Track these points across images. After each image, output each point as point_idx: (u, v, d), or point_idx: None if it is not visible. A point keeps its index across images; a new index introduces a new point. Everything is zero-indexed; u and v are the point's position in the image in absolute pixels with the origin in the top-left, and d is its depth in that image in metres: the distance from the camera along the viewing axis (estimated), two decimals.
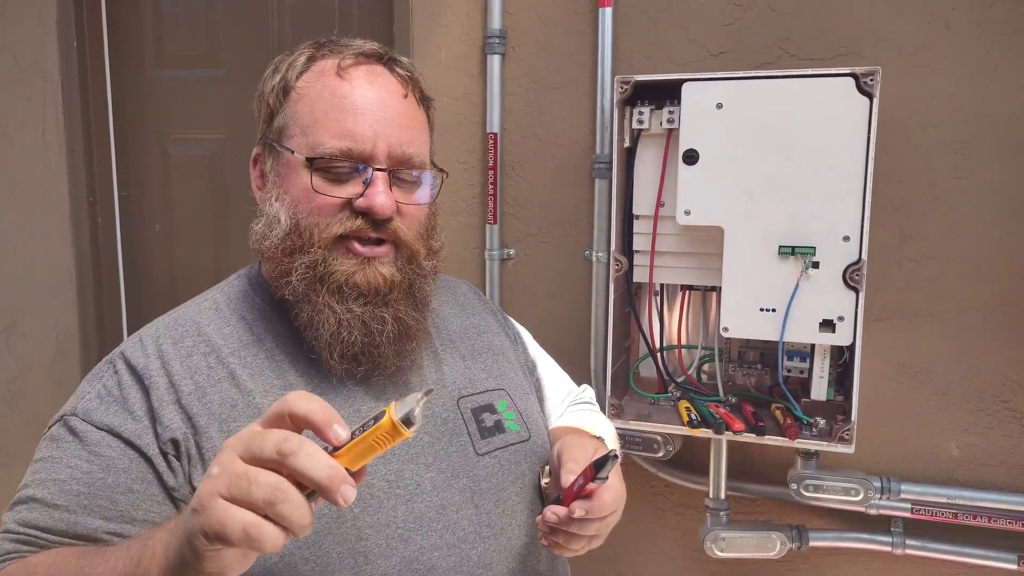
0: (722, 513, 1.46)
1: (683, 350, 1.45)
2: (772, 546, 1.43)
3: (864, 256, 1.20)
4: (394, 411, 0.54)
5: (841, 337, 1.23)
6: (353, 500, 0.52)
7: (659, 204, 1.34)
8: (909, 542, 1.43)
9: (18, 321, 2.08)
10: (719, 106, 1.23)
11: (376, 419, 0.54)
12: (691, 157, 1.25)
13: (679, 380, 1.43)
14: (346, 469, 0.53)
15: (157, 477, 0.73)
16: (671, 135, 1.31)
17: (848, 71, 1.18)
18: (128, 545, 0.64)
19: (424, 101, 0.86)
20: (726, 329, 1.27)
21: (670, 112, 1.30)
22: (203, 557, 0.53)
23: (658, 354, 1.42)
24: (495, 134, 1.61)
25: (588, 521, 0.74)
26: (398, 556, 0.74)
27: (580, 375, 1.59)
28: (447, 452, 0.82)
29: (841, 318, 1.22)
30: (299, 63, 0.81)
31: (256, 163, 0.86)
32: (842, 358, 1.31)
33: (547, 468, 0.88)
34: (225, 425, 0.75)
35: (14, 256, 2.06)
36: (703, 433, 1.31)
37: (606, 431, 1.00)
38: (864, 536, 1.45)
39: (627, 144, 1.36)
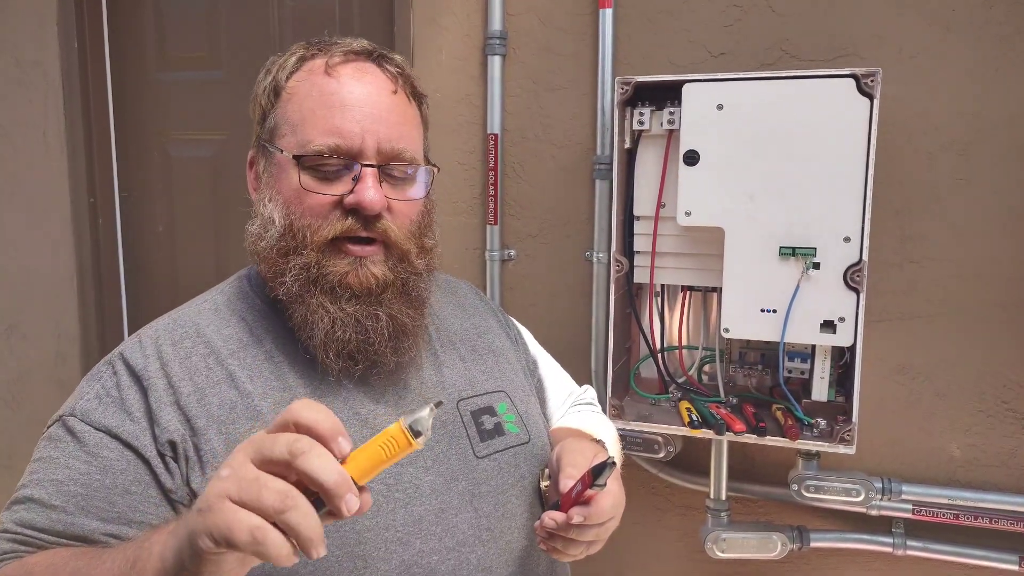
0: (723, 514, 1.46)
1: (684, 351, 1.45)
2: (773, 547, 1.43)
3: (865, 257, 1.20)
4: (404, 421, 0.54)
5: (842, 338, 1.23)
6: (355, 511, 0.52)
7: (660, 205, 1.34)
8: (910, 543, 1.42)
9: (19, 323, 2.08)
10: (720, 107, 1.23)
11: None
12: (692, 158, 1.26)
13: (680, 381, 1.43)
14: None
15: (154, 479, 0.72)
16: (672, 136, 1.32)
17: (849, 72, 1.18)
18: (125, 547, 0.64)
19: (416, 97, 0.85)
20: (727, 330, 1.27)
21: (671, 113, 1.30)
22: (203, 560, 0.53)
23: (659, 355, 1.42)
24: (496, 135, 1.61)
25: (586, 527, 0.74)
26: (397, 560, 0.74)
27: (581, 376, 1.59)
28: (446, 455, 0.81)
29: (842, 319, 1.22)
30: (289, 64, 0.81)
31: (252, 166, 0.86)
32: (843, 359, 1.31)
33: (546, 471, 0.87)
34: (224, 427, 0.74)
35: (15, 257, 2.06)
36: (704, 434, 1.31)
37: (607, 433, 1.00)
38: (865, 537, 1.45)
39: (628, 145, 1.37)
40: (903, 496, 1.40)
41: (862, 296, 1.21)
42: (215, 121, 1.96)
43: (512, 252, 1.66)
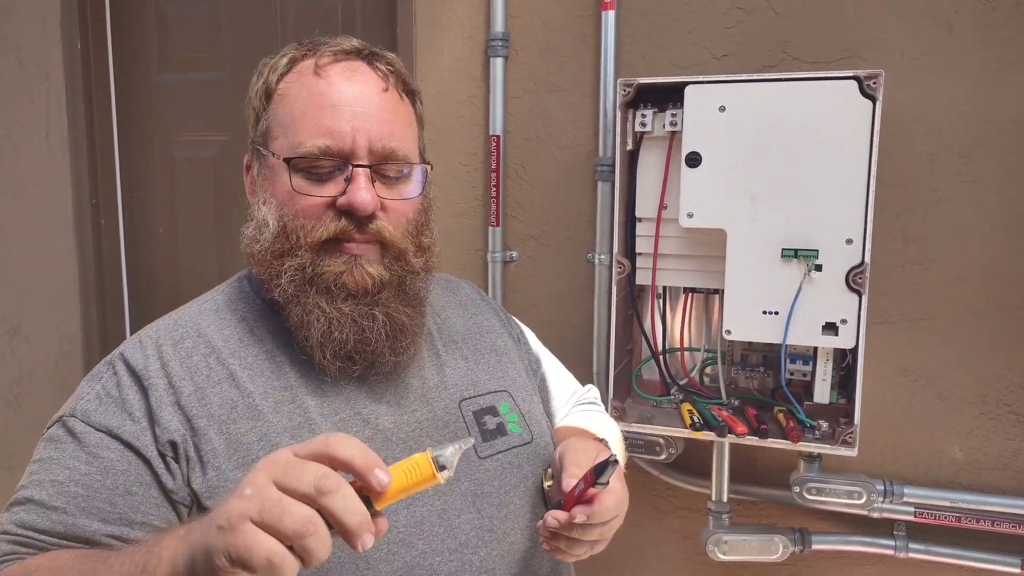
0: (724, 516, 1.46)
1: (686, 353, 1.45)
2: (775, 549, 1.43)
3: (867, 259, 1.20)
4: (431, 452, 0.56)
5: (844, 340, 1.22)
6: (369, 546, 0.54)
7: (662, 207, 1.34)
8: (912, 546, 1.42)
9: (21, 324, 2.08)
10: (722, 109, 1.23)
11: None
12: (694, 160, 1.26)
13: (681, 383, 1.43)
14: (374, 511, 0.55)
15: (155, 479, 0.72)
16: (674, 138, 1.32)
17: (851, 74, 1.18)
18: (131, 550, 0.64)
19: (409, 94, 0.84)
20: (729, 332, 1.27)
21: (673, 115, 1.30)
22: (217, 575, 0.53)
23: (660, 356, 1.42)
24: (498, 136, 1.61)
25: (589, 526, 0.74)
26: (399, 561, 0.74)
27: (582, 377, 1.58)
28: None
29: (844, 321, 1.22)
30: (280, 65, 0.81)
31: (248, 169, 0.85)
32: (845, 361, 1.31)
33: (549, 471, 0.87)
34: (224, 427, 0.74)
35: (18, 258, 2.06)
36: (705, 436, 1.31)
37: (610, 432, 1.00)
38: (867, 539, 1.45)
39: (630, 147, 1.37)
40: (905, 499, 1.40)
41: (864, 298, 1.21)
42: (217, 122, 1.97)
43: (514, 253, 1.66)
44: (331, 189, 0.77)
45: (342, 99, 0.77)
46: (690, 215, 1.27)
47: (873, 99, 1.17)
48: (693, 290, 1.41)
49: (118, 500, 0.71)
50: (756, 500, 1.54)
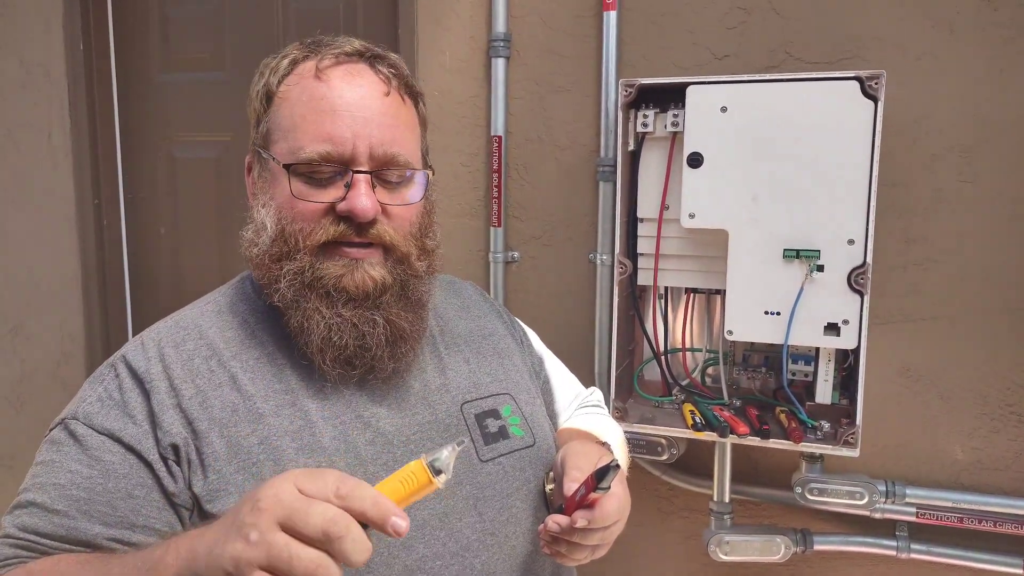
0: (726, 516, 1.46)
1: (687, 353, 1.45)
2: (776, 550, 1.43)
3: (869, 259, 1.20)
4: (425, 459, 0.55)
5: (846, 341, 1.22)
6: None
7: (663, 207, 1.34)
8: (914, 546, 1.42)
9: (23, 324, 2.09)
10: (723, 109, 1.23)
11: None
12: (695, 160, 1.25)
13: (683, 383, 1.43)
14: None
15: (157, 482, 0.72)
16: (675, 138, 1.32)
17: (853, 75, 1.18)
18: (133, 557, 0.64)
19: (411, 96, 0.83)
20: (730, 332, 1.27)
21: (674, 115, 1.30)
22: None
23: (662, 357, 1.42)
24: (499, 137, 1.61)
25: (591, 531, 0.73)
26: (400, 565, 0.74)
27: (584, 378, 1.59)
28: None
29: (846, 321, 1.22)
30: (282, 67, 0.80)
31: (249, 171, 0.85)
32: (847, 362, 1.31)
33: (551, 474, 0.86)
34: (225, 430, 0.74)
35: (20, 258, 2.07)
36: (707, 436, 1.31)
37: (614, 435, 1.00)
38: (869, 540, 1.45)
39: (631, 147, 1.37)
40: (907, 499, 1.40)
41: (866, 298, 1.21)
42: (219, 123, 1.97)
43: (516, 254, 1.66)
44: (331, 194, 0.76)
45: (343, 104, 0.76)
46: (692, 215, 1.27)
47: (875, 99, 1.17)
48: (695, 290, 1.41)
49: (119, 503, 0.71)
50: (758, 501, 1.54)
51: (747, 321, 1.26)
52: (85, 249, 2.01)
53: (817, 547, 1.45)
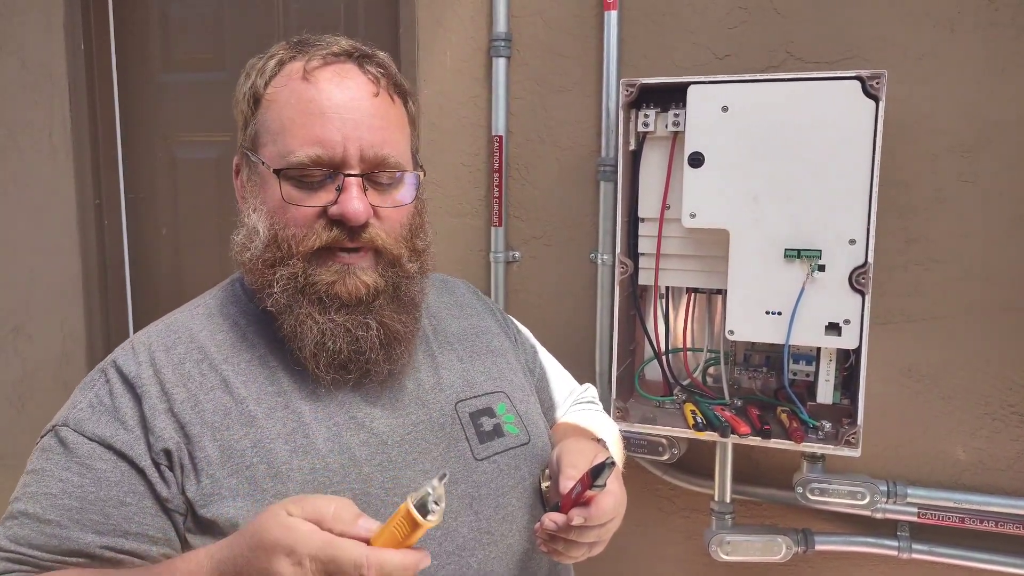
0: (727, 516, 1.46)
1: (688, 353, 1.45)
2: (777, 550, 1.43)
3: (870, 259, 1.20)
4: (411, 500, 0.56)
5: (847, 340, 1.22)
6: None
7: (664, 207, 1.34)
8: (915, 546, 1.42)
9: (25, 323, 2.09)
10: (724, 109, 1.23)
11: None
12: (696, 160, 1.25)
13: (684, 383, 1.43)
14: None
15: (150, 488, 0.72)
16: (676, 138, 1.32)
17: (854, 74, 1.18)
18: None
19: (400, 95, 0.82)
20: (731, 332, 1.27)
21: (675, 115, 1.30)
22: None
23: (663, 357, 1.42)
24: (500, 137, 1.61)
25: (587, 528, 0.73)
26: None
27: (585, 377, 1.59)
28: (445, 458, 0.81)
29: (847, 321, 1.22)
30: (269, 68, 0.79)
31: (238, 173, 0.84)
32: (848, 361, 1.31)
33: (547, 471, 0.86)
34: (218, 433, 0.74)
35: (21, 258, 2.07)
36: (708, 436, 1.31)
37: (609, 432, 1.00)
38: (870, 540, 1.45)
39: (632, 147, 1.36)
40: (908, 499, 1.40)
41: (867, 298, 1.21)
42: (220, 123, 1.97)
43: (516, 254, 1.66)
44: (322, 198, 0.76)
45: (332, 106, 0.75)
46: (693, 215, 1.27)
47: (876, 99, 1.17)
48: (696, 290, 1.41)
49: (112, 511, 0.71)
50: (759, 501, 1.53)
51: (748, 321, 1.26)
52: (86, 249, 2.01)
53: (818, 547, 1.45)
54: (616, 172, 1.37)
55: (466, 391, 0.87)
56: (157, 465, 0.72)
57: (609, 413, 1.36)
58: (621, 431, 1.39)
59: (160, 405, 0.74)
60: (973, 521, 1.38)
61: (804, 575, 1.54)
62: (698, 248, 1.33)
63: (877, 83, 1.17)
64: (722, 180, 1.24)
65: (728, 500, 1.46)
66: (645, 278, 1.38)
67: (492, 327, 0.99)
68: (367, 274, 0.77)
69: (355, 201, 0.75)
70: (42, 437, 0.76)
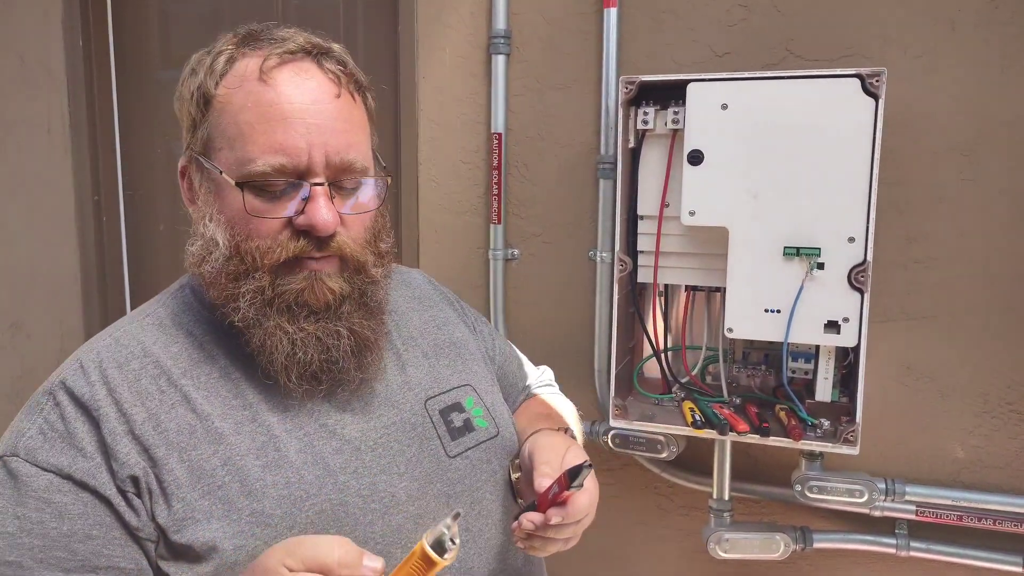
0: (726, 514, 1.46)
1: (687, 351, 1.45)
2: (776, 547, 1.43)
3: (869, 257, 1.20)
4: (426, 540, 0.56)
5: (846, 338, 1.22)
6: None
7: (663, 204, 1.34)
8: (913, 544, 1.42)
9: (23, 320, 2.09)
10: (724, 107, 1.23)
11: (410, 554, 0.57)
12: (696, 157, 1.25)
13: (683, 381, 1.43)
14: None
15: (117, 518, 0.68)
16: (676, 135, 1.31)
17: (853, 72, 1.18)
18: None
19: (360, 92, 0.78)
20: (730, 330, 1.27)
21: (675, 112, 1.29)
22: None
23: (662, 355, 1.42)
24: (499, 134, 1.61)
25: (563, 526, 0.74)
26: None
27: (584, 375, 1.59)
28: (419, 458, 0.80)
29: (846, 319, 1.22)
30: (219, 66, 0.74)
31: (184, 175, 0.79)
32: (847, 359, 1.31)
33: (516, 462, 0.87)
34: (185, 453, 0.70)
35: (19, 255, 2.06)
36: (707, 434, 1.31)
37: (569, 414, 1.00)
38: (868, 538, 1.45)
39: (632, 144, 1.36)
40: (906, 497, 1.40)
41: (866, 296, 1.21)
42: None
43: (516, 251, 1.66)
44: (286, 207, 0.72)
45: (293, 110, 0.71)
46: (692, 213, 1.27)
47: (876, 97, 1.17)
48: (695, 288, 1.41)
49: (78, 547, 0.67)
50: (757, 498, 1.54)
51: (747, 319, 1.26)
52: (84, 245, 2.01)
53: (817, 545, 1.45)
54: (615, 170, 1.37)
55: (434, 388, 0.86)
56: (123, 493, 0.68)
57: (608, 411, 1.36)
58: (620, 429, 1.39)
59: (119, 428, 0.69)
60: (971, 519, 1.38)
61: (802, 572, 1.55)
62: (697, 246, 1.33)
63: (877, 81, 1.17)
64: (721, 178, 1.24)
65: (727, 498, 1.46)
66: (644, 276, 1.38)
67: (452, 317, 0.97)
68: (333, 280, 0.74)
69: (324, 212, 0.71)
70: None
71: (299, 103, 0.72)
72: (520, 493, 0.86)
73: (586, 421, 1.54)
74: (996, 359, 1.39)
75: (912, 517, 1.41)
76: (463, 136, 1.66)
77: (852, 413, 1.25)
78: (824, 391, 1.30)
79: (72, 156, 1.97)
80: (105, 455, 0.68)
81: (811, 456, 1.40)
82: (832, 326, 1.23)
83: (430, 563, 0.56)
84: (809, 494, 1.39)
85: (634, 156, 1.36)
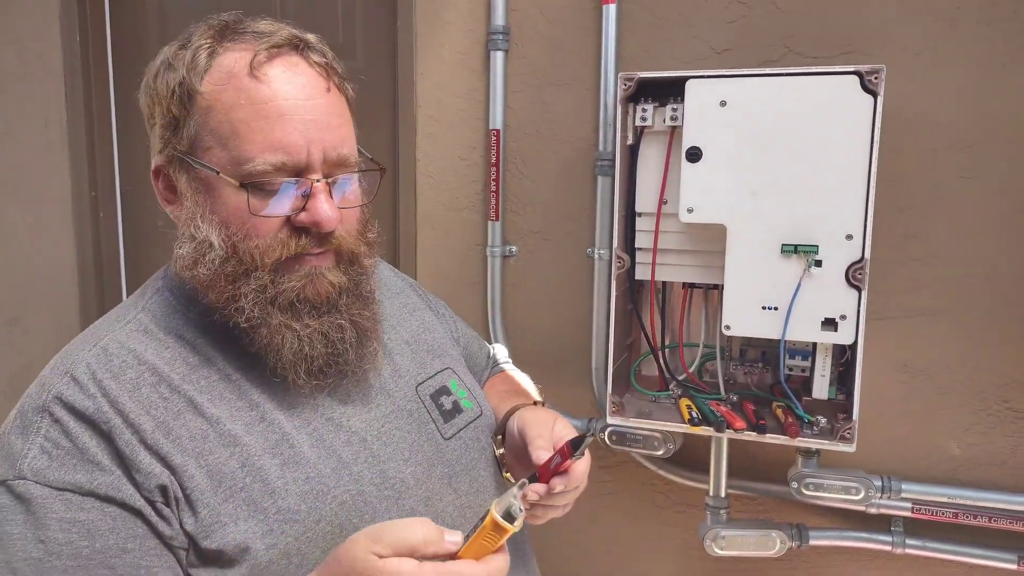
0: (722, 511, 1.46)
1: (685, 348, 1.45)
2: (772, 544, 1.43)
3: (867, 255, 1.20)
4: (496, 510, 0.61)
5: (843, 336, 1.22)
6: None
7: (662, 202, 1.34)
8: (909, 541, 1.42)
9: (20, 316, 2.08)
10: (723, 103, 1.23)
11: (482, 519, 0.62)
12: (694, 154, 1.25)
13: (680, 378, 1.43)
14: None
15: (150, 528, 0.66)
16: (674, 132, 1.31)
17: (852, 69, 1.18)
18: None
19: (343, 83, 0.78)
20: (728, 327, 1.27)
21: (673, 109, 1.29)
22: None
23: (659, 352, 1.42)
24: (498, 130, 1.61)
25: (563, 493, 0.77)
26: None
27: (581, 372, 1.59)
28: (419, 443, 0.82)
29: (843, 317, 1.22)
30: (201, 61, 0.72)
31: (159, 175, 0.77)
32: (844, 357, 1.31)
33: (499, 438, 0.90)
34: (202, 459, 0.69)
35: (16, 250, 2.06)
36: (704, 431, 1.31)
37: (534, 391, 1.04)
38: (864, 535, 1.45)
39: (630, 141, 1.36)
40: (903, 494, 1.40)
41: (864, 294, 1.21)
42: None
43: (513, 248, 1.66)
44: (285, 205, 0.71)
45: (289, 107, 0.70)
46: (690, 210, 1.26)
47: (874, 94, 1.17)
48: (693, 285, 1.41)
49: (115, 562, 0.65)
50: (754, 495, 1.54)
51: (745, 316, 1.26)
52: (81, 241, 2.00)
53: (812, 542, 1.45)
54: (614, 166, 1.37)
55: (421, 373, 0.88)
56: (152, 503, 0.67)
57: (605, 408, 1.37)
58: (617, 426, 1.39)
59: (133, 439, 0.67)
60: (967, 516, 1.38)
61: (798, 570, 1.55)
62: (695, 243, 1.33)
63: (876, 78, 1.17)
64: (720, 175, 1.24)
65: (723, 495, 1.46)
66: (642, 273, 1.38)
67: (419, 304, 0.99)
68: (332, 273, 0.75)
69: (327, 208, 0.71)
70: None
71: (294, 99, 0.71)
72: (508, 467, 0.89)
73: (583, 418, 1.55)
74: (993, 357, 1.39)
75: (908, 514, 1.41)
76: (461, 132, 1.65)
77: (849, 410, 1.26)
78: (821, 388, 1.30)
79: (69, 151, 1.97)
80: (124, 467, 0.67)
81: (808, 453, 1.41)
82: (829, 323, 1.23)
83: (501, 531, 0.60)
84: (805, 491, 1.39)
85: (632, 153, 1.36)
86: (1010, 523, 1.37)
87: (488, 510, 0.61)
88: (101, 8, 1.98)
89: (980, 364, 1.40)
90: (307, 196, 0.72)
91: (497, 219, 1.63)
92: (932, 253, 1.40)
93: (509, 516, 0.60)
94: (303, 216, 0.72)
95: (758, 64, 1.44)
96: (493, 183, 1.62)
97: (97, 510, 0.65)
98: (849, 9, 1.39)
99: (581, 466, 0.77)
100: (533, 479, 0.77)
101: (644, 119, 1.32)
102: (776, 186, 1.22)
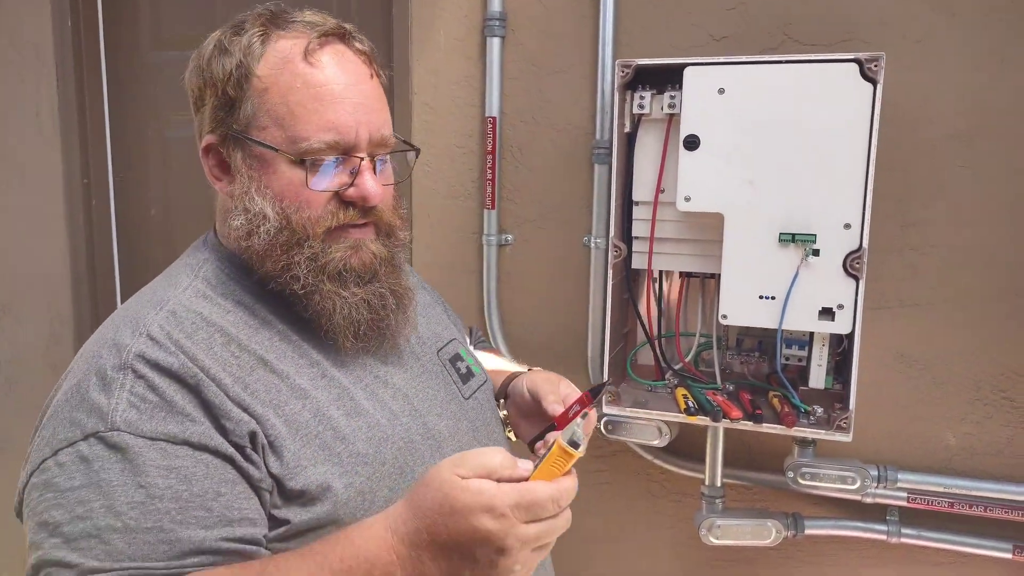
0: (718, 500, 1.46)
1: (681, 337, 1.44)
2: (767, 534, 1.43)
3: (865, 244, 1.19)
4: (563, 438, 0.66)
5: (840, 325, 1.22)
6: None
7: (659, 190, 1.33)
8: (904, 531, 1.43)
9: (12, 305, 2.07)
10: (721, 91, 1.22)
11: (546, 452, 0.68)
12: (692, 143, 1.24)
13: (677, 367, 1.43)
14: None
15: (241, 473, 0.71)
16: (672, 120, 1.30)
17: (852, 57, 1.17)
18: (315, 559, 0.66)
19: (380, 74, 0.86)
20: (725, 316, 1.27)
21: (671, 97, 1.28)
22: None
23: (656, 341, 1.42)
24: (494, 118, 1.60)
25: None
26: None
27: (577, 361, 1.59)
28: (447, 401, 0.90)
29: (841, 306, 1.21)
30: (256, 47, 0.78)
31: (209, 152, 0.83)
32: (841, 346, 1.31)
33: (503, 400, 1.00)
34: (279, 409, 0.74)
35: (8, 239, 2.04)
36: (700, 421, 1.30)
37: (511, 363, 1.13)
38: (860, 524, 1.46)
39: (627, 129, 1.35)
40: (898, 484, 1.41)
41: (861, 283, 1.20)
42: None
43: (509, 237, 1.65)
44: (334, 181, 0.79)
45: (341, 91, 0.78)
46: (687, 199, 1.26)
47: (874, 82, 1.16)
48: (690, 274, 1.40)
49: (212, 504, 0.69)
50: (750, 485, 1.54)
51: (742, 305, 1.25)
52: (74, 229, 1.98)
53: (808, 531, 1.45)
54: (611, 154, 1.36)
55: (437, 341, 0.97)
56: (241, 448, 0.71)
57: (602, 398, 1.36)
58: (613, 415, 1.39)
59: (219, 391, 0.72)
60: (962, 506, 1.39)
61: (793, 559, 1.55)
62: (692, 232, 1.32)
63: (875, 66, 1.16)
64: (717, 163, 1.23)
65: (719, 484, 1.46)
66: (639, 262, 1.37)
67: (413, 283, 1.05)
68: (374, 244, 0.82)
69: (373, 184, 0.79)
70: (63, 449, 0.69)
71: (344, 84, 0.78)
72: (514, 427, 0.99)
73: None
74: (990, 346, 1.39)
75: (904, 504, 1.41)
76: (457, 120, 1.64)
77: (845, 400, 1.25)
78: (818, 378, 1.30)
79: (61, 139, 1.95)
80: (212, 417, 0.71)
81: (804, 443, 1.40)
82: (827, 313, 1.22)
83: (568, 457, 0.66)
84: (801, 481, 1.39)
85: (630, 141, 1.35)
86: (1005, 512, 1.37)
87: (555, 441, 0.66)
88: None
89: (977, 354, 1.40)
90: (355, 173, 0.79)
91: (493, 207, 1.62)
92: (930, 242, 1.40)
93: (573, 444, 0.65)
94: (351, 191, 0.79)
95: (757, 51, 1.43)
96: (489, 171, 1.61)
97: (191, 457, 0.70)
98: None
99: (593, 416, 0.81)
100: (552, 428, 0.84)
101: (642, 107, 1.31)
102: (774, 175, 1.21)
